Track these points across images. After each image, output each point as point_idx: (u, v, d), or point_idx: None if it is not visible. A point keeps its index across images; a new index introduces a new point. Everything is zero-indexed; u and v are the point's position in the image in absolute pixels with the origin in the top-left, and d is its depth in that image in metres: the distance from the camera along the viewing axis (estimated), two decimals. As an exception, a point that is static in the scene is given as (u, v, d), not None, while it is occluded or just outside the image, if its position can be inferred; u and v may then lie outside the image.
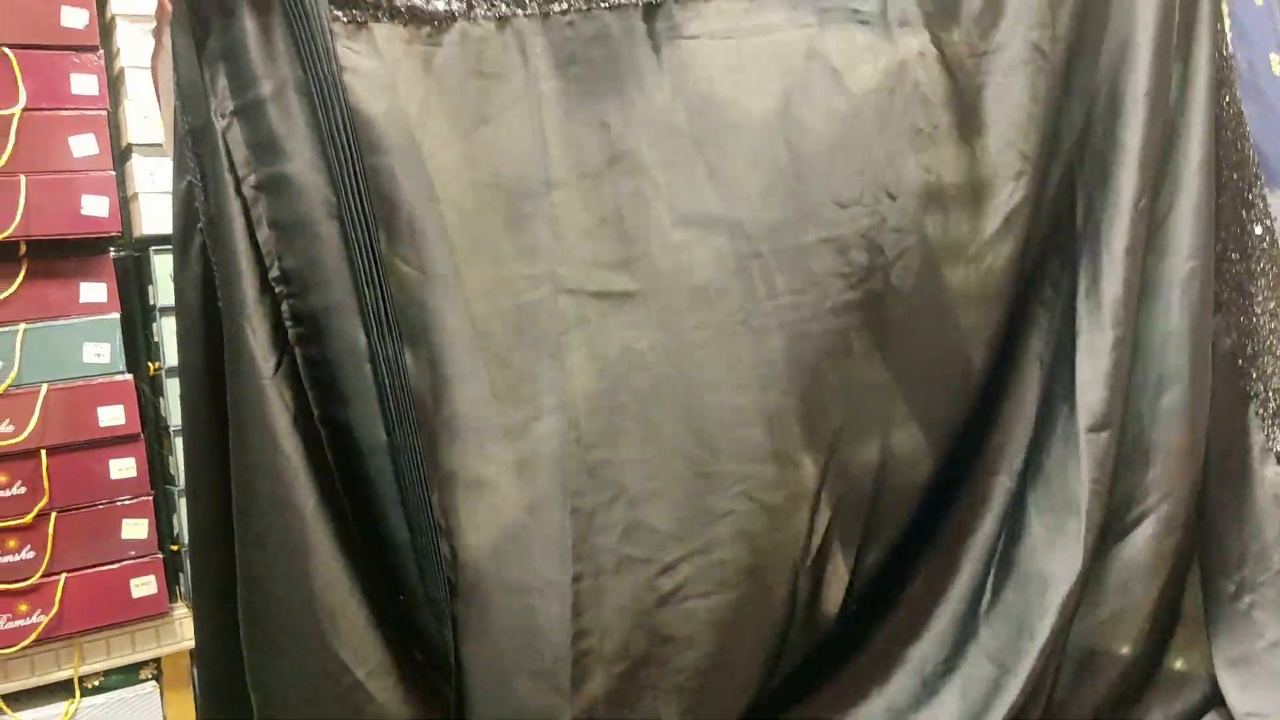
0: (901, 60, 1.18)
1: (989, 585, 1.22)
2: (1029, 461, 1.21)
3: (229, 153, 1.05)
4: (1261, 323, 1.25)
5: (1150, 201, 1.19)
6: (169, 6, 1.06)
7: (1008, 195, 1.19)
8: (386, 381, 1.07)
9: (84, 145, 1.89)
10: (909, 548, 1.25)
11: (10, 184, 1.81)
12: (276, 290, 1.08)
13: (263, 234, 1.07)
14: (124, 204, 1.99)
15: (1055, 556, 1.16)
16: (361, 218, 1.05)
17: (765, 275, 1.15)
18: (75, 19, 1.87)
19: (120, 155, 1.99)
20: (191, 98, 1.05)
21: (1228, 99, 1.25)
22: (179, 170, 1.09)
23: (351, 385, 1.09)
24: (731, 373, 1.14)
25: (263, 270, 1.07)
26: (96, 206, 1.89)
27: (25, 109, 1.83)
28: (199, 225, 1.09)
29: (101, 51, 1.91)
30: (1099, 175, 1.20)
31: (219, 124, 1.05)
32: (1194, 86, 1.22)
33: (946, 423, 1.22)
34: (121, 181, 1.98)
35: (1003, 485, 1.23)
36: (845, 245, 1.16)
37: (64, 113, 1.87)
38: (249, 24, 1.04)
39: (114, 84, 1.98)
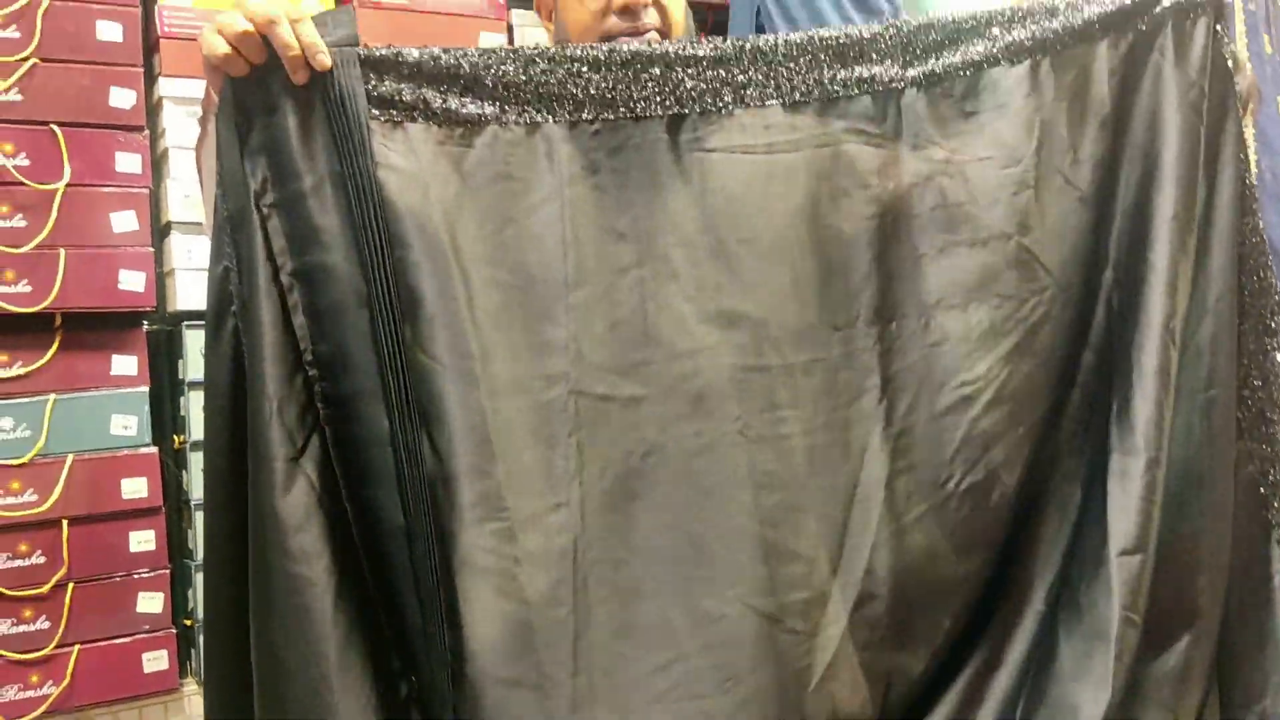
0: (917, 179, 1.20)
1: (1018, 715, 1.20)
2: (1060, 585, 1.19)
3: (268, 241, 1.08)
4: (1283, 450, 1.24)
5: (1181, 324, 1.20)
6: (215, 98, 1.10)
7: (1028, 311, 1.20)
8: (405, 468, 1.08)
9: (124, 221, 1.93)
10: (938, 670, 1.23)
11: (50, 257, 1.86)
12: (309, 373, 1.10)
13: (298, 319, 1.09)
14: (160, 279, 2.03)
15: (1084, 686, 1.14)
16: (387, 308, 1.07)
17: (764, 388, 1.16)
18: (123, 99, 1.93)
19: (159, 232, 2.04)
20: (232, 187, 1.08)
21: (1250, 226, 1.26)
22: (216, 255, 1.11)
23: (376, 468, 1.10)
24: (729, 480, 1.15)
25: (296, 354, 1.09)
26: (133, 281, 1.93)
27: (69, 184, 1.88)
28: (232, 309, 1.11)
29: (147, 131, 1.97)
30: (1130, 296, 1.20)
31: (259, 214, 1.07)
32: (1218, 213, 1.23)
33: (969, 531, 1.21)
34: (159, 257, 2.02)
35: (1035, 610, 1.21)
36: (835, 367, 1.18)
37: (107, 189, 1.92)
38: (291, 120, 1.07)
39: (157, 163, 2.04)
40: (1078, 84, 1.23)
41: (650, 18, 1.39)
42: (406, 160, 1.09)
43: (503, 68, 1.12)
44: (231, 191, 1.08)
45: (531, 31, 2.31)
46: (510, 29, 2.31)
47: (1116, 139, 1.23)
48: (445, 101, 1.11)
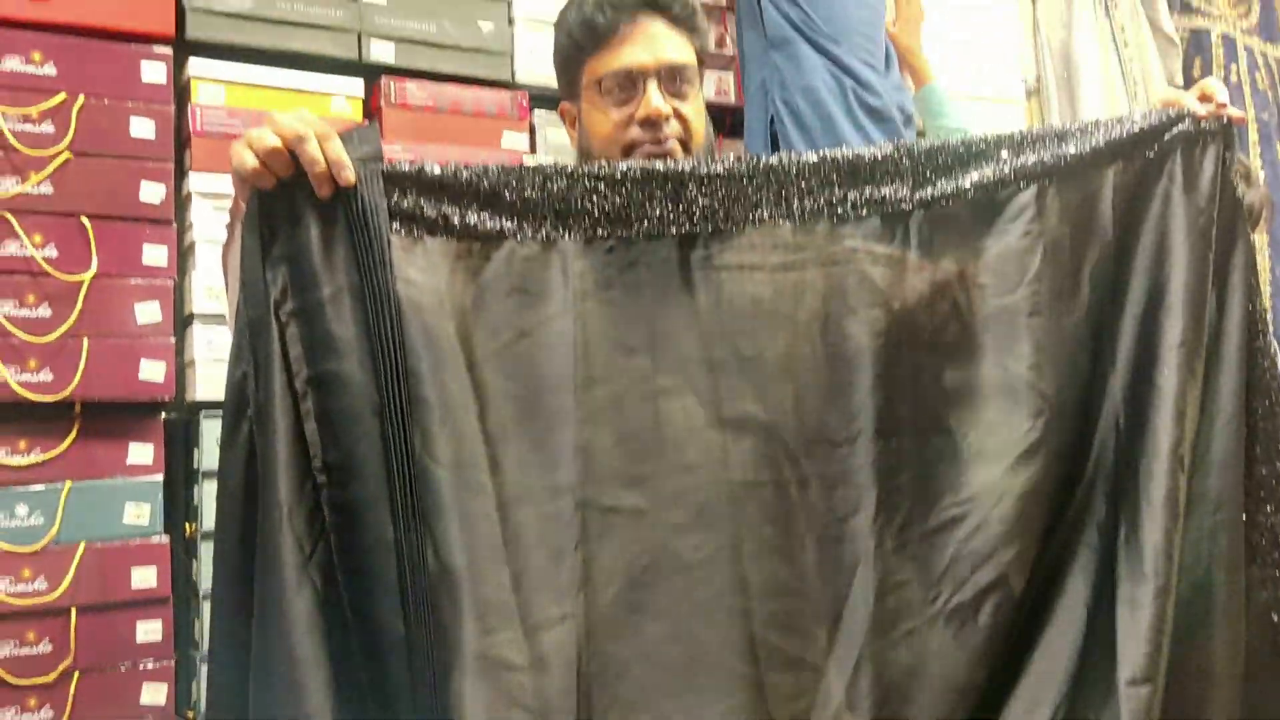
0: (922, 301, 1.22)
1: None
2: (1067, 710, 1.18)
3: (285, 349, 1.10)
4: (1297, 575, 1.23)
5: (1189, 450, 1.20)
6: (243, 207, 1.13)
7: (1022, 435, 1.21)
8: (408, 578, 1.08)
9: (148, 313, 1.96)
10: None
11: (73, 346, 1.88)
12: (319, 480, 1.11)
13: (310, 426, 1.11)
14: (180, 369, 2.05)
15: None
16: (399, 417, 1.09)
17: (764, 502, 1.18)
18: (153, 194, 1.97)
19: (181, 322, 2.07)
20: (253, 295, 1.11)
21: (1260, 349, 1.26)
22: (235, 360, 1.13)
23: (379, 578, 1.11)
24: (727, 591, 1.17)
25: (307, 460, 1.11)
26: (153, 372, 1.95)
27: (96, 275, 1.91)
28: (248, 413, 1.13)
29: (174, 225, 2.00)
30: (1137, 420, 1.21)
31: (278, 322, 1.10)
32: (1226, 338, 1.24)
33: (959, 650, 1.21)
34: (180, 347, 2.05)
35: None
36: (834, 482, 1.20)
37: (132, 281, 1.95)
38: (314, 232, 1.09)
39: (184, 255, 2.07)
40: (1084, 209, 1.24)
41: (672, 128, 1.44)
42: (425, 274, 1.11)
43: (521, 184, 1.15)
44: (252, 299, 1.11)
45: (554, 132, 2.36)
46: (533, 129, 2.36)
47: (1123, 265, 1.24)
48: (465, 216, 1.13)
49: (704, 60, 1.55)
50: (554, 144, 2.35)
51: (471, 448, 1.11)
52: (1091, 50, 3.16)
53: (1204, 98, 1.30)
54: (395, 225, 1.11)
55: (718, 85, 2.50)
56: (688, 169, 1.19)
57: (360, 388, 1.10)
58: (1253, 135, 3.50)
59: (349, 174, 1.08)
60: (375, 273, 1.09)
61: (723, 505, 1.18)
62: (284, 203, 1.10)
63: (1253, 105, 3.50)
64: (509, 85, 2.34)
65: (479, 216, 1.14)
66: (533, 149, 2.33)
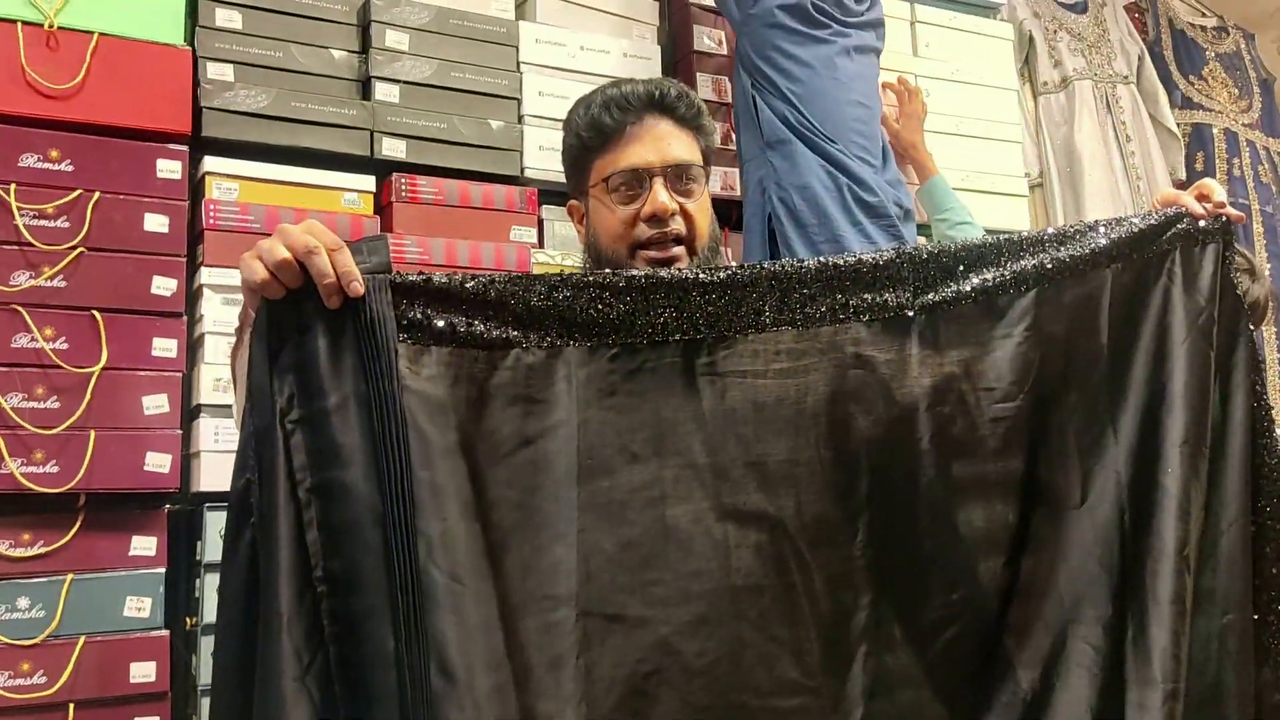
0: (920, 407, 1.23)
1: None
2: None
3: (289, 458, 1.10)
4: (1314, 674, 1.22)
5: (1195, 550, 1.19)
6: (252, 315, 1.14)
7: (1016, 536, 1.23)
8: (409, 689, 1.08)
9: (156, 404, 1.96)
10: None
11: (79, 438, 1.88)
12: (319, 590, 1.11)
13: (311, 535, 1.11)
14: (185, 460, 2.05)
15: None
16: (403, 525, 1.08)
17: (764, 606, 1.19)
18: (164, 287, 1.99)
19: (189, 413, 2.07)
20: (260, 404, 1.11)
21: (1267, 446, 1.27)
22: (240, 468, 1.14)
23: (378, 691, 1.10)
24: (729, 696, 1.17)
25: (307, 570, 1.10)
26: (159, 463, 1.95)
27: (105, 368, 1.92)
28: (251, 520, 1.13)
29: (185, 318, 2.02)
30: (1143, 519, 1.21)
31: (283, 430, 1.10)
32: (1231, 436, 1.24)
33: None
34: (187, 438, 2.05)
35: None
36: (833, 585, 1.21)
37: (141, 373, 1.95)
38: (321, 341, 1.10)
39: (193, 346, 2.08)
40: (1085, 311, 1.26)
41: (676, 225, 1.47)
42: (431, 383, 1.12)
43: (527, 294, 1.16)
44: (258, 408, 1.11)
45: (561, 226, 2.38)
46: (541, 223, 2.38)
47: (1124, 364, 1.25)
48: (471, 326, 1.14)
49: (710, 159, 1.58)
50: (561, 237, 2.37)
51: (475, 556, 1.11)
52: (1094, 145, 3.20)
53: (1202, 197, 1.32)
54: (402, 335, 1.12)
55: (724, 180, 2.53)
56: (691, 277, 1.21)
57: (364, 496, 1.10)
58: (1257, 229, 3.53)
59: (358, 285, 1.09)
60: (381, 382, 1.09)
61: (727, 608, 1.18)
62: (293, 313, 1.11)
63: (1256, 199, 3.53)
64: (518, 180, 2.37)
65: (485, 325, 1.15)
66: (540, 243, 2.36)
